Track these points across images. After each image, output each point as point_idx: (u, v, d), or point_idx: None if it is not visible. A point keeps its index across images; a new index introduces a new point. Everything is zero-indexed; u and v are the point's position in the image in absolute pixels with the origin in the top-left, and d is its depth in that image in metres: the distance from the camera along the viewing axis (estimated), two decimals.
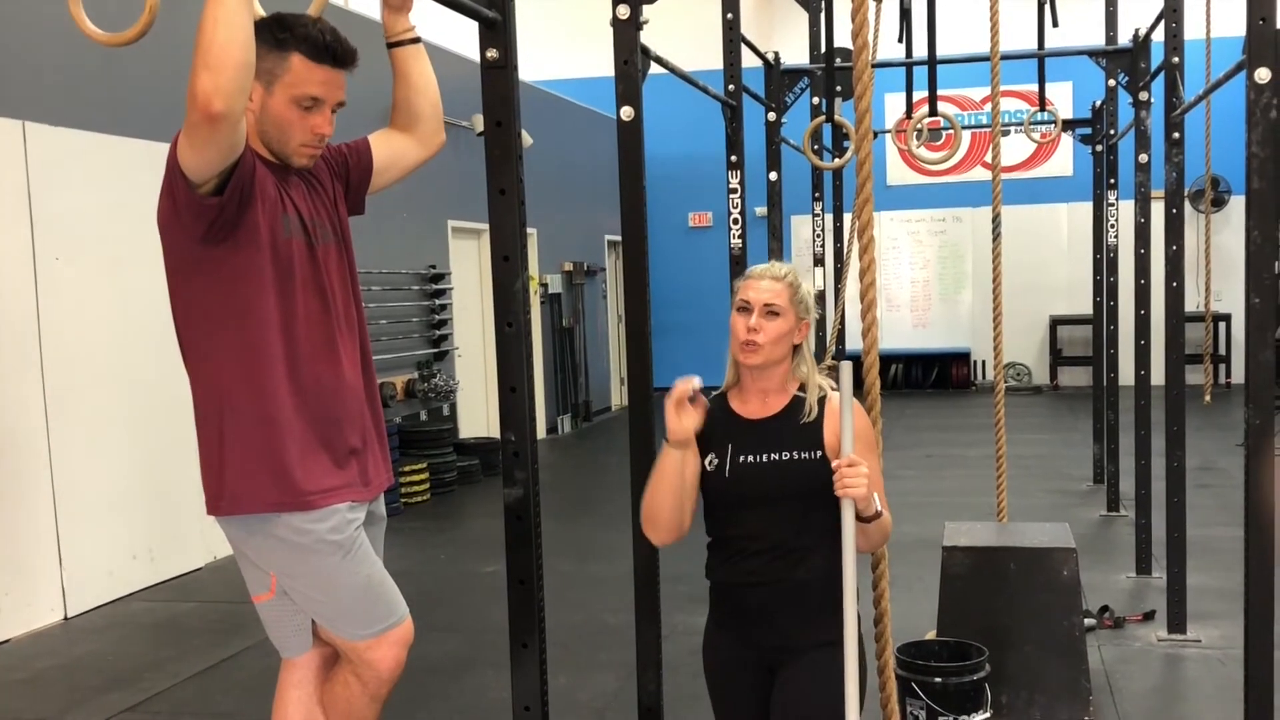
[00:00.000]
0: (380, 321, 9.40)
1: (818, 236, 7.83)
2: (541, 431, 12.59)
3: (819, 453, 2.52)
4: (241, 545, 2.57)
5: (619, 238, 3.73)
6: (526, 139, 12.46)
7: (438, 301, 10.30)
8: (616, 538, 5.58)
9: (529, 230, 12.14)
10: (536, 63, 14.51)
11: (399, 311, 9.74)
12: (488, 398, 11.24)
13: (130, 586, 6.50)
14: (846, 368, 2.36)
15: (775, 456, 2.52)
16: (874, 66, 6.99)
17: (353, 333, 2.65)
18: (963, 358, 15.47)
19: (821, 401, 2.58)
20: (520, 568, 2.71)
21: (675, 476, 2.50)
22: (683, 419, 2.47)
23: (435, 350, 10.25)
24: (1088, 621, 4.95)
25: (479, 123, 11.03)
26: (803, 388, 2.60)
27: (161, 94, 6.14)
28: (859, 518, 2.40)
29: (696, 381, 2.48)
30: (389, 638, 2.65)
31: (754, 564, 2.54)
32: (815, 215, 7.92)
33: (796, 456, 2.51)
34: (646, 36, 3.74)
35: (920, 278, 15.71)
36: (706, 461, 2.56)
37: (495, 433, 9.02)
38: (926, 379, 15.49)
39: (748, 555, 2.55)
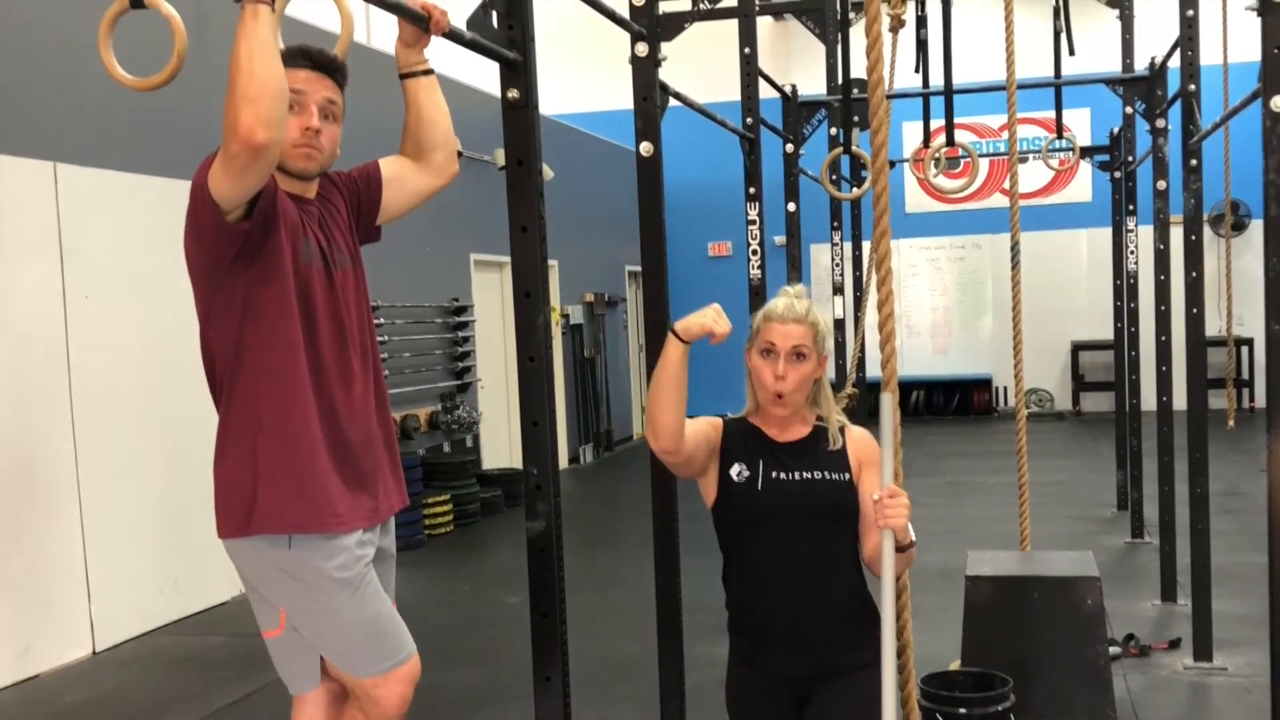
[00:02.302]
0: (404, 354, 9.47)
1: (836, 265, 7.86)
2: (564, 461, 12.62)
3: (846, 476, 2.54)
4: (251, 577, 2.60)
5: (639, 268, 3.77)
6: (547, 172, 12.51)
7: (460, 334, 10.37)
8: (638, 567, 5.59)
9: (550, 262, 12.28)
10: (557, 97, 14.63)
11: (422, 344, 9.81)
12: (510, 428, 11.28)
13: (157, 620, 6.55)
14: (888, 399, 2.38)
15: (808, 475, 2.52)
16: (891, 97, 7.05)
17: (366, 357, 2.69)
18: (984, 384, 15.43)
19: (842, 431, 2.60)
20: (543, 601, 2.74)
21: (679, 369, 2.41)
22: (702, 324, 2.37)
23: (458, 382, 10.30)
24: (1113, 650, 4.93)
25: (500, 157, 11.14)
26: (821, 417, 2.61)
27: (186, 133, 6.23)
28: (897, 548, 2.38)
29: (724, 326, 2.40)
30: (396, 675, 2.67)
31: (783, 584, 2.52)
32: (834, 244, 7.96)
33: (827, 477, 2.52)
34: (665, 69, 3.79)
35: (940, 304, 15.71)
36: (734, 472, 2.54)
37: (518, 463, 9.06)
38: (948, 406, 15.46)
39: (776, 576, 2.53)
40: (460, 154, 10.02)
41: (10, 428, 5.76)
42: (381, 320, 8.99)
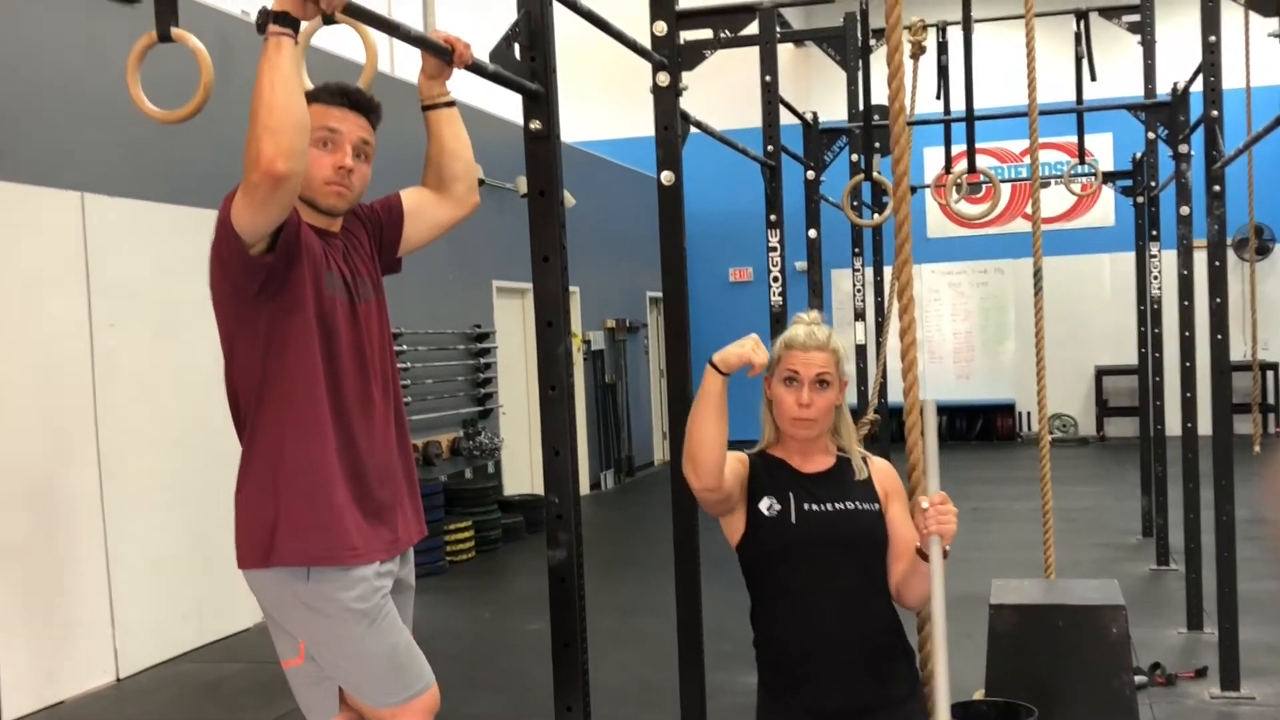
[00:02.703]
0: (426, 381, 9.50)
1: (858, 291, 7.86)
2: (585, 488, 12.62)
3: (876, 506, 2.52)
4: (271, 608, 2.61)
5: (660, 294, 3.78)
6: (569, 200, 12.56)
7: (482, 360, 10.40)
8: (660, 593, 5.58)
9: (571, 288, 12.31)
10: (579, 124, 14.69)
11: (444, 371, 9.84)
12: (531, 455, 11.29)
13: (180, 647, 6.56)
14: (930, 406, 2.42)
15: (841, 506, 2.49)
16: (912, 124, 7.07)
17: (387, 389, 2.69)
18: (1007, 409, 15.37)
19: (864, 461, 2.59)
20: (564, 630, 2.74)
21: (720, 402, 2.37)
22: (741, 355, 2.35)
23: (480, 408, 10.33)
24: (1139, 679, 4.89)
25: (522, 184, 11.16)
26: (842, 447, 2.59)
27: (212, 162, 6.29)
28: (922, 555, 2.39)
29: (762, 357, 2.39)
30: (414, 705, 2.67)
31: (819, 618, 2.47)
32: (855, 270, 7.96)
33: (859, 507, 2.50)
34: (688, 96, 3.82)
35: (962, 329, 15.67)
36: (764, 507, 2.49)
37: (540, 489, 9.08)
38: (971, 431, 15.40)
39: (811, 610, 2.48)
40: (482, 182, 10.08)
41: (37, 455, 5.80)
42: (404, 347, 9.03)
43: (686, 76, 3.87)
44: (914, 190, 8.50)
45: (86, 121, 6.16)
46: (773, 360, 2.54)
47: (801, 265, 8.73)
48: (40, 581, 5.76)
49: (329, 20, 2.47)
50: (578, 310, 12.53)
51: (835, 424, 2.58)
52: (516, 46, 2.66)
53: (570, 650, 2.73)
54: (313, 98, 2.52)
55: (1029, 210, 5.12)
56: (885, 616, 2.53)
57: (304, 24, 2.33)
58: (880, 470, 2.60)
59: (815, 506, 2.49)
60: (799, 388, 2.49)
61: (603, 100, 15.01)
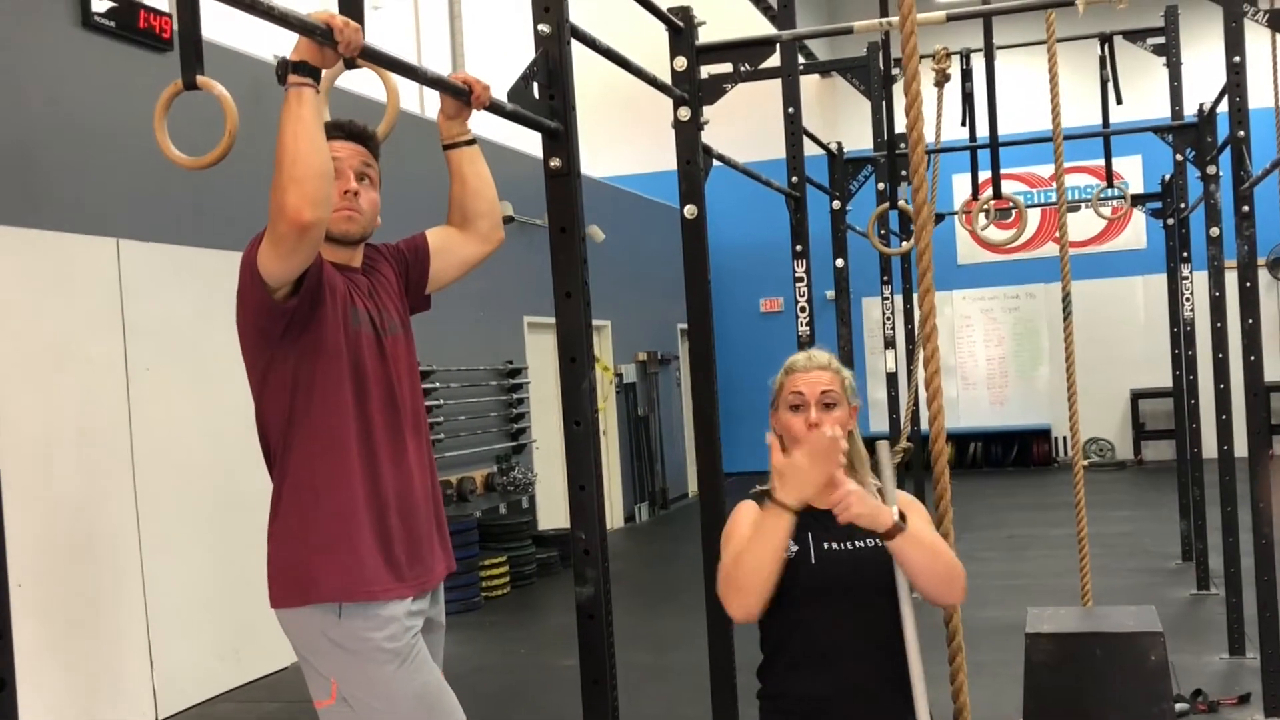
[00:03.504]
0: (460, 417, 9.54)
1: (887, 319, 7.85)
2: (619, 520, 12.61)
3: None
4: (303, 648, 2.63)
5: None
6: (599, 235, 12.61)
7: (515, 396, 10.44)
8: (695, 626, 5.56)
9: (603, 322, 12.36)
10: (607, 160, 14.78)
11: (478, 407, 9.88)
12: (565, 489, 11.28)
13: (219, 687, 6.59)
14: (883, 448, 2.38)
15: (860, 544, 2.39)
16: (938, 151, 7.07)
17: (417, 424, 2.72)
18: (1043, 434, 15.25)
19: (879, 493, 2.47)
20: (593, 667, 2.74)
21: (783, 542, 2.26)
22: (819, 474, 2.23)
23: (513, 444, 10.36)
24: (1180, 706, 4.83)
25: None
26: (858, 476, 2.48)
27: (243, 206, 6.38)
28: (886, 537, 2.29)
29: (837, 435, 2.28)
30: None
31: (838, 661, 2.37)
32: (885, 298, 7.95)
33: (880, 544, 2.38)
34: (714, 128, 3.84)
35: (995, 355, 15.59)
36: None
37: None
38: (1006, 457, 15.28)
39: (829, 653, 2.38)
40: (511, 218, 10.09)
41: (75, 497, 5.86)
42: (438, 384, 9.08)
43: (713, 109, 3.90)
44: (941, 218, 8.49)
45: (120, 168, 6.27)
46: (775, 390, 2.49)
47: (832, 295, 8.75)
48: (79, 622, 5.81)
49: (350, 65, 2.51)
50: (610, 344, 12.57)
51: (848, 454, 2.45)
52: (535, 85, 2.69)
53: (599, 687, 2.73)
54: None
55: (1060, 235, 5.10)
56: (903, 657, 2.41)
57: (324, 70, 2.37)
58: (899, 502, 2.46)
59: (834, 545, 2.39)
60: (805, 409, 2.41)
61: (631, 135, 15.10)
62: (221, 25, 5.34)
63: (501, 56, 10.24)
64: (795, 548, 2.37)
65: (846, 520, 2.26)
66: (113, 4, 6.19)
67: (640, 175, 14.92)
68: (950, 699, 2.69)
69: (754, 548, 2.27)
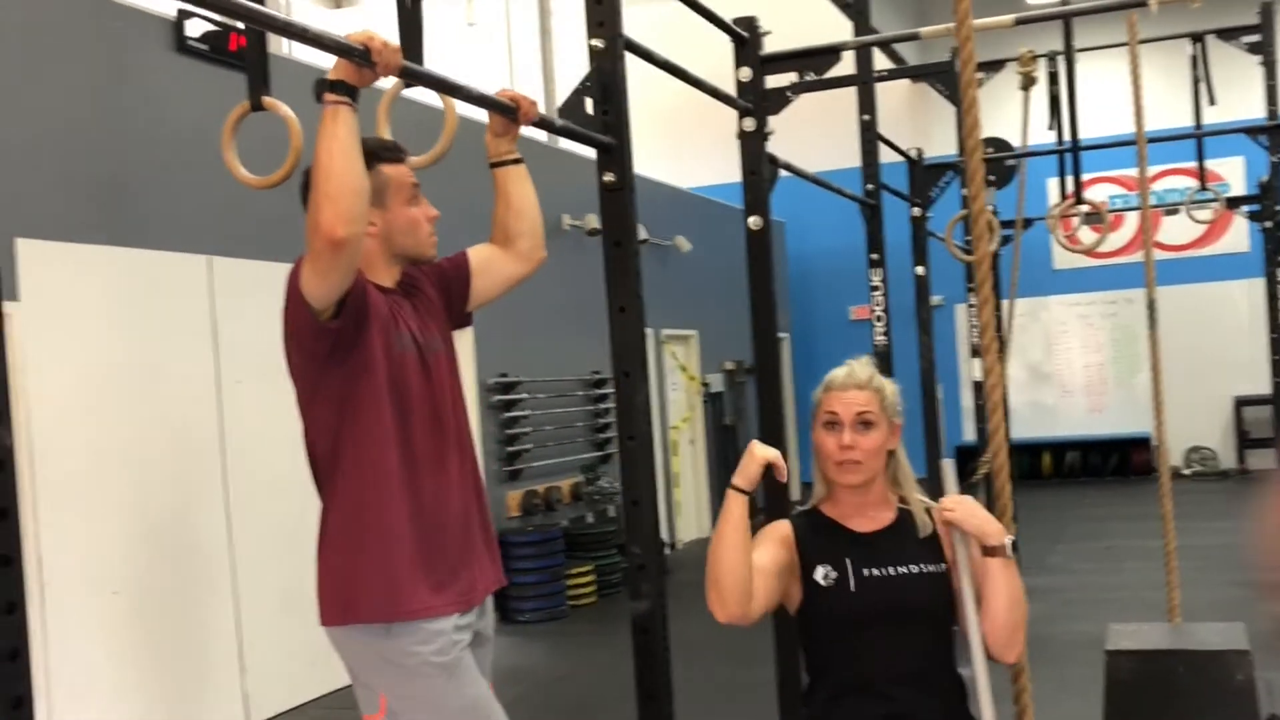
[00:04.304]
0: (546, 427, 9.61)
1: (974, 326, 7.73)
2: (706, 529, 12.58)
3: (944, 566, 2.34)
4: (352, 662, 2.67)
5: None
6: (684, 244, 12.57)
7: (601, 405, 10.49)
8: (769, 640, 5.53)
9: (689, 332, 12.36)
10: (695, 170, 14.77)
11: (564, 417, 9.95)
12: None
13: (308, 694, 6.72)
14: (947, 465, 2.37)
15: (904, 569, 2.30)
16: (1024, 155, 6.96)
17: (460, 440, 2.74)
18: (1142, 443, 14.85)
19: (928, 513, 2.39)
20: (649, 683, 2.74)
21: (743, 525, 2.26)
22: (755, 462, 2.27)
23: (600, 453, 10.40)
24: None
25: (641, 231, 11.28)
26: (904, 499, 2.41)
27: None
28: (987, 551, 2.24)
29: (776, 454, 2.30)
30: None
31: (884, 693, 2.29)
32: (971, 305, 7.84)
33: (924, 569, 2.31)
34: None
35: (1093, 361, 15.24)
36: (819, 576, 2.33)
37: (662, 531, 9.10)
38: (1105, 466, 14.92)
39: (875, 684, 2.30)
40: (597, 231, 10.12)
41: (169, 507, 6.03)
42: (524, 395, 9.16)
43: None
44: (1031, 222, 8.34)
45: (212, 186, 6.43)
46: (814, 406, 2.43)
47: (938, 299, 8.65)
48: (172, 628, 5.98)
49: (407, 83, 2.56)
50: (696, 353, 12.56)
51: (893, 473, 2.41)
52: (588, 100, 2.71)
53: (655, 704, 2.73)
54: (375, 160, 2.58)
55: (1161, 238, 4.99)
56: (956, 690, 2.36)
57: (386, 86, 2.41)
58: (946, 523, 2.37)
59: (875, 571, 2.31)
60: (840, 430, 2.33)
61: (717, 144, 15.06)
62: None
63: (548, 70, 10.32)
64: (834, 574, 2.32)
65: (950, 521, 2.23)
66: (207, 29, 6.37)
67: (727, 185, 14.88)
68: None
69: (719, 536, 2.27)
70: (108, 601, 5.61)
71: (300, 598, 6.66)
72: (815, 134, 10.86)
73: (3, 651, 1.26)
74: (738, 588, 2.24)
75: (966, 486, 2.61)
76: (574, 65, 11.57)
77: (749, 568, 2.26)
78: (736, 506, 2.27)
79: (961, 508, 2.25)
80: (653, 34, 3.76)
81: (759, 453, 2.28)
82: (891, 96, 9.66)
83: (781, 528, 2.42)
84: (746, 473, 2.27)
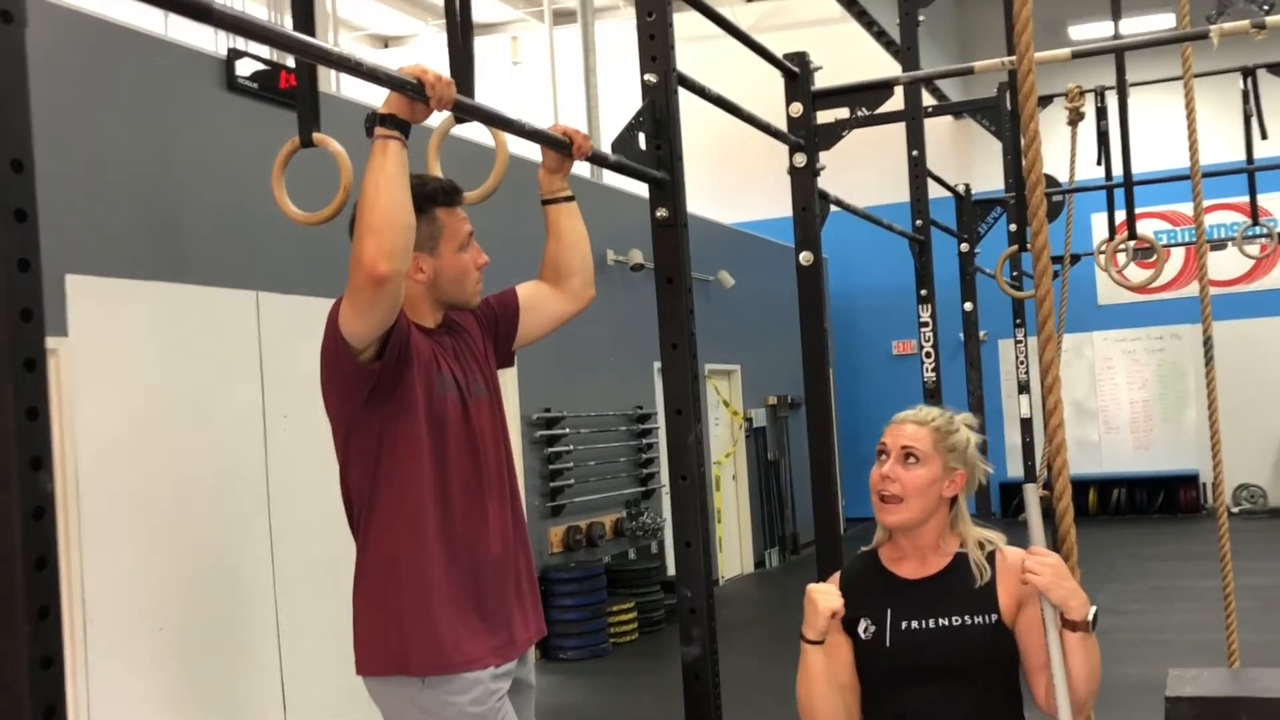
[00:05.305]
0: (589, 462, 9.58)
1: (1021, 363, 7.65)
2: (750, 566, 12.49)
3: (994, 617, 2.22)
4: (390, 714, 2.61)
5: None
6: (727, 280, 12.58)
7: (644, 440, 10.46)
8: None
9: (732, 367, 12.32)
10: (737, 206, 14.77)
11: (607, 452, 9.92)
12: None
13: None
14: (1032, 490, 2.26)
15: (945, 621, 2.21)
16: (1072, 191, 6.90)
17: (502, 486, 2.67)
18: (1190, 481, 14.63)
19: (991, 558, 2.28)
20: None
21: (826, 672, 2.24)
22: (823, 613, 2.21)
23: (643, 489, 10.36)
24: None
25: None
26: (964, 544, 2.31)
27: None
28: (1068, 625, 2.09)
29: (838, 604, 2.24)
30: None
31: None
32: (1018, 341, 7.76)
33: (970, 621, 2.20)
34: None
35: (1139, 398, 15.05)
36: (860, 629, 2.27)
37: None
38: (1152, 504, 14.69)
39: None
40: (641, 266, 10.10)
41: (214, 542, 6.04)
42: (567, 430, 9.14)
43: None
44: (1077, 258, 8.26)
45: (261, 223, 6.48)
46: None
47: (983, 334, 8.57)
48: (215, 665, 5.97)
49: (460, 118, 2.55)
50: (739, 388, 12.51)
51: (953, 520, 2.32)
52: (640, 135, 2.69)
53: None
54: (430, 203, 2.55)
55: (1209, 273, 4.91)
56: None
57: (437, 122, 2.39)
58: (1012, 568, 2.24)
59: (915, 624, 2.23)
60: (884, 461, 2.28)
61: (762, 179, 15.10)
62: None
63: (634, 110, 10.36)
64: (873, 628, 2.26)
65: (1035, 584, 2.10)
66: (257, 68, 6.44)
67: (770, 220, 14.88)
68: None
69: (803, 683, 2.27)
70: (152, 638, 5.61)
71: (344, 636, 6.63)
72: (858, 170, 10.85)
73: (39, 708, 1.22)
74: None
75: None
76: (618, 103, 11.64)
77: (842, 701, 2.25)
78: (815, 660, 2.24)
79: (1047, 574, 2.10)
80: (695, 70, 3.75)
81: (822, 604, 2.22)
82: (934, 132, 9.61)
83: (832, 595, 2.30)
84: (814, 625, 2.24)
